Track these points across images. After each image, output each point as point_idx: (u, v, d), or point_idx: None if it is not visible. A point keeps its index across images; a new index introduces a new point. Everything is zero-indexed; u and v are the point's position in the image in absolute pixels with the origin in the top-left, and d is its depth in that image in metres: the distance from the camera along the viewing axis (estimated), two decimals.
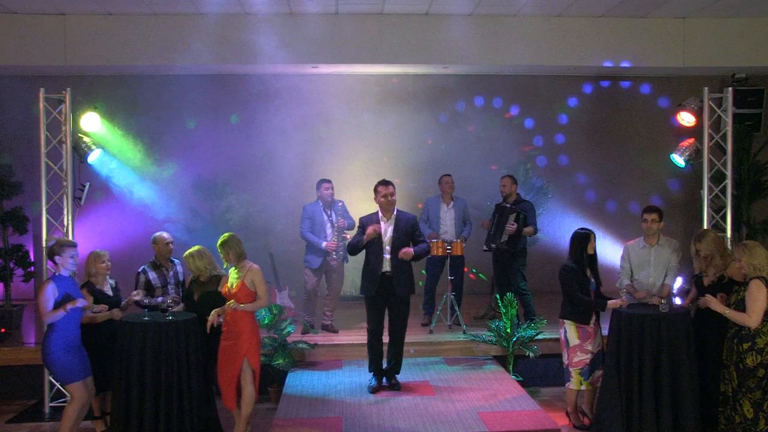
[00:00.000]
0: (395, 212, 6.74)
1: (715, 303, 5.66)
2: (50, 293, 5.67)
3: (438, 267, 8.56)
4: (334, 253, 8.13)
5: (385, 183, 6.73)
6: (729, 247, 7.15)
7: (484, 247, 8.55)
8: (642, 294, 6.48)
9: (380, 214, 6.75)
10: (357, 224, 6.92)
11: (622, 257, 6.74)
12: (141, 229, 8.86)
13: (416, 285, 6.96)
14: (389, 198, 6.67)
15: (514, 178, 8.62)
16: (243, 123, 10.32)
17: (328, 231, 8.18)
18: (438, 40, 9.08)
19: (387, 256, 6.62)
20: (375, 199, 6.77)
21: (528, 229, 8.28)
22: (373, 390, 6.68)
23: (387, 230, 6.67)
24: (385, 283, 6.62)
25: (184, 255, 6.27)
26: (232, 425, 6.05)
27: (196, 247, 6.29)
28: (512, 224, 8.15)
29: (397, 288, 6.61)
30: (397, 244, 6.61)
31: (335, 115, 10.44)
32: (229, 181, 9.63)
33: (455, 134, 10.63)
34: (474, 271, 10.55)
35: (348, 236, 8.09)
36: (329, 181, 8.32)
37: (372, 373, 6.83)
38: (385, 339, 6.83)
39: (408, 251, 6.53)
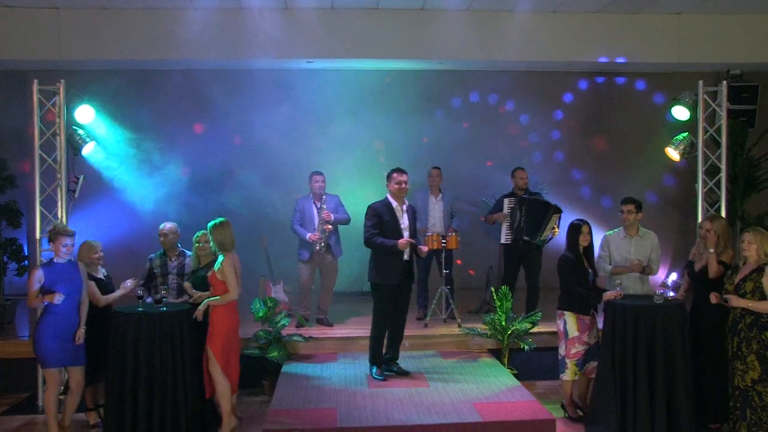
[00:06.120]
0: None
1: (735, 300, 5.61)
2: (35, 279, 5.78)
3: (428, 260, 8.47)
4: (317, 245, 8.08)
5: (400, 170, 6.77)
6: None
7: (505, 240, 8.41)
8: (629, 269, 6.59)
9: (394, 202, 6.75)
10: (366, 214, 6.77)
11: (601, 246, 6.78)
12: (135, 223, 8.82)
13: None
14: (403, 185, 6.71)
15: None
16: (238, 117, 10.23)
17: (317, 223, 8.16)
18: (433, 36, 9.00)
19: None
20: (388, 186, 6.78)
21: None
22: (386, 378, 6.68)
23: (403, 218, 6.74)
24: (406, 270, 6.69)
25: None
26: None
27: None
28: (555, 228, 8.14)
29: (414, 274, 6.83)
30: (411, 232, 6.75)
31: (330, 109, 10.38)
32: (224, 175, 9.62)
33: (450, 130, 10.59)
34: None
35: (330, 228, 8.06)
36: (321, 174, 8.30)
37: (375, 366, 6.78)
38: None
39: (425, 249, 6.76)
